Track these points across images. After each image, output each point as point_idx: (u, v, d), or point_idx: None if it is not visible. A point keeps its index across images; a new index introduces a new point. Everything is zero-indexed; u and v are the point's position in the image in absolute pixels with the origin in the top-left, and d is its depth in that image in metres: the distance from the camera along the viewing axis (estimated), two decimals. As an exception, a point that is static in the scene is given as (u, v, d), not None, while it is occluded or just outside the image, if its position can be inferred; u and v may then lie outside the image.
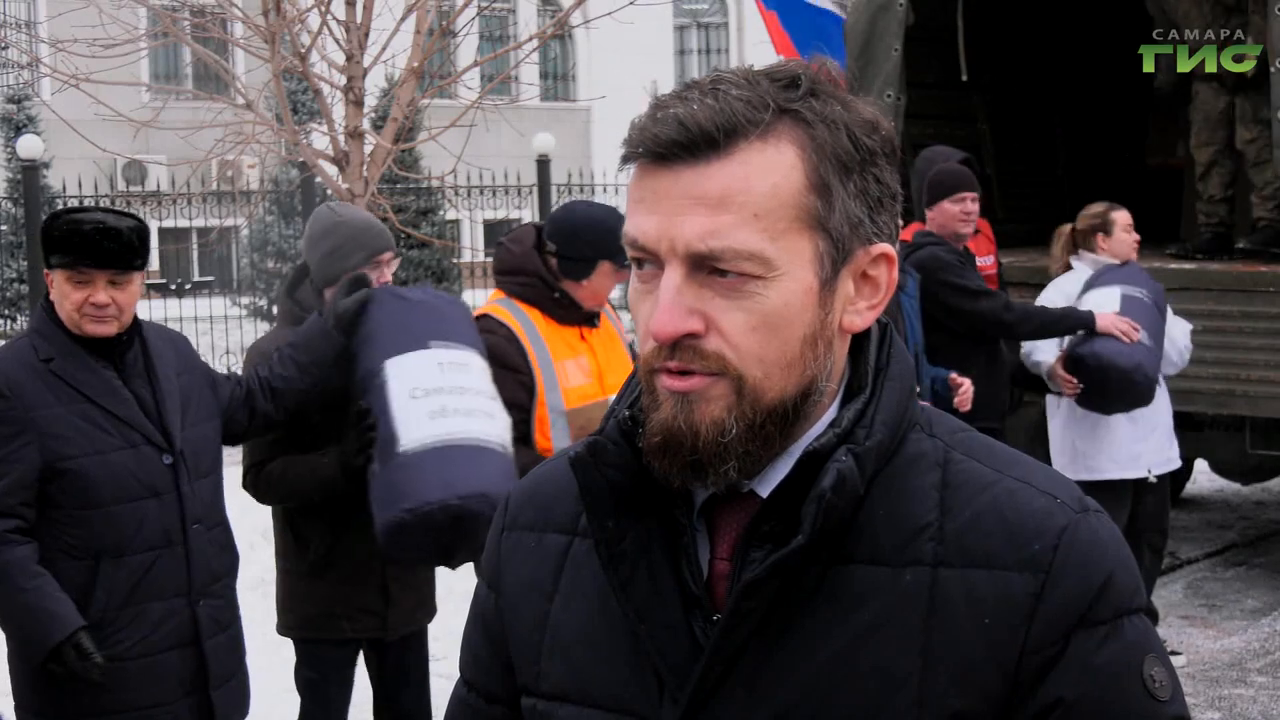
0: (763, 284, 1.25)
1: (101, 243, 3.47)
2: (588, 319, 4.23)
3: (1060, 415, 6.36)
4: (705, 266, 1.25)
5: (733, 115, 1.24)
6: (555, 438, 4.08)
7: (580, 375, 4.17)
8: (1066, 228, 6.46)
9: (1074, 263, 6.39)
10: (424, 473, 3.69)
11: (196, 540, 3.64)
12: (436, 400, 3.76)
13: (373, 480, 3.81)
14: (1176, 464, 6.46)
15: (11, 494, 3.43)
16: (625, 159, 1.29)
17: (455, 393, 3.80)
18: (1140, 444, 6.21)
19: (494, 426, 3.81)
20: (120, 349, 3.59)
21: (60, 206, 16.51)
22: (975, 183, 6.14)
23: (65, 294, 3.50)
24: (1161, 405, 6.28)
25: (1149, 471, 6.24)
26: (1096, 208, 6.40)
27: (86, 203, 14.68)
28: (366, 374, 3.88)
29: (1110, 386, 5.99)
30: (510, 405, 3.96)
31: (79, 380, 3.51)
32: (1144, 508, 6.30)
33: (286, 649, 4.34)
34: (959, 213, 5.99)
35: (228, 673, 3.73)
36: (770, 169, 1.25)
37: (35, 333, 3.57)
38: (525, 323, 4.15)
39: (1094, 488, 5.87)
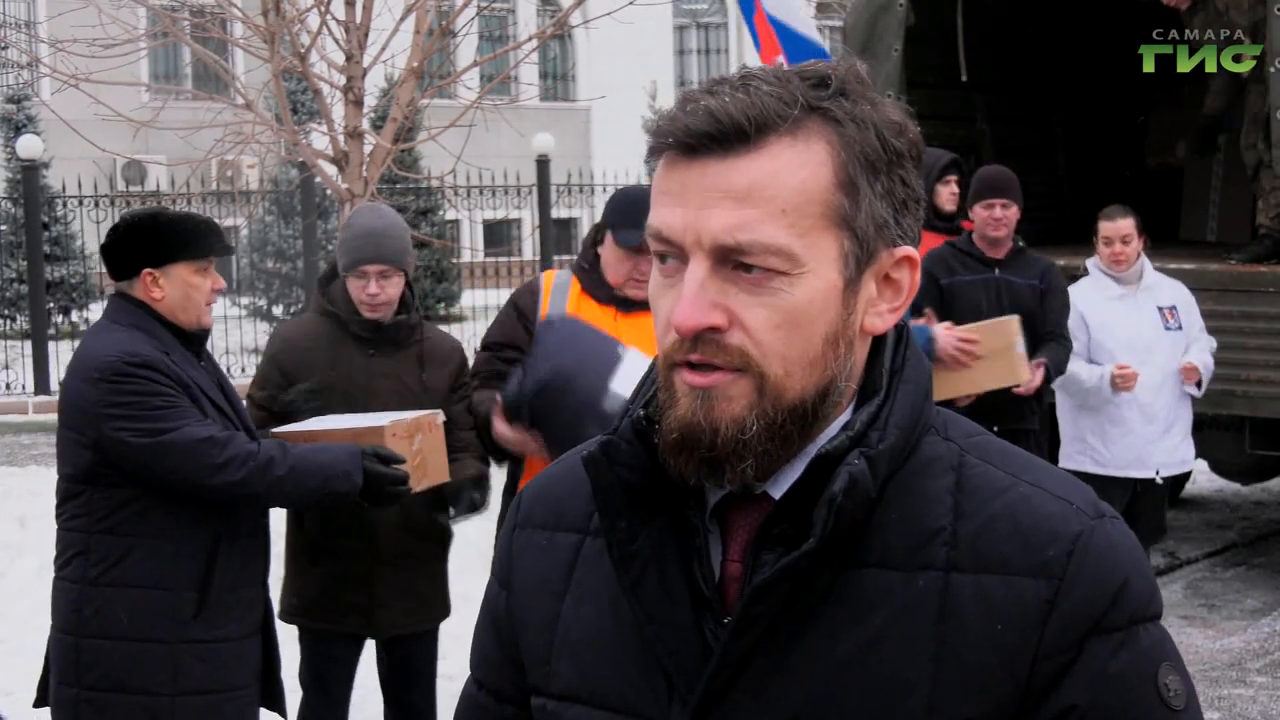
0: (787, 281, 1.24)
1: (220, 232, 3.74)
2: (618, 301, 4.13)
3: (1072, 405, 6.38)
4: (730, 261, 1.24)
5: (764, 109, 1.23)
6: None
7: None
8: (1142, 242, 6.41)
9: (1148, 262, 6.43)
10: None
11: (267, 528, 3.79)
12: None
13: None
14: (1188, 467, 6.44)
15: (208, 422, 3.51)
16: (653, 151, 1.27)
17: None
18: (1151, 445, 6.25)
19: None
20: (199, 344, 3.71)
21: (60, 206, 16.51)
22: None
23: (196, 285, 3.61)
24: (1181, 406, 6.34)
25: (1156, 473, 6.26)
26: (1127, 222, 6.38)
27: (86, 203, 14.65)
28: (594, 392, 3.74)
29: None
30: (503, 345, 4.15)
31: (190, 375, 3.60)
32: (1140, 506, 6.30)
33: (287, 647, 4.34)
34: (988, 217, 6.10)
35: None
36: (799, 165, 1.24)
37: (135, 328, 3.55)
38: (559, 287, 4.21)
39: (1092, 480, 5.92)
